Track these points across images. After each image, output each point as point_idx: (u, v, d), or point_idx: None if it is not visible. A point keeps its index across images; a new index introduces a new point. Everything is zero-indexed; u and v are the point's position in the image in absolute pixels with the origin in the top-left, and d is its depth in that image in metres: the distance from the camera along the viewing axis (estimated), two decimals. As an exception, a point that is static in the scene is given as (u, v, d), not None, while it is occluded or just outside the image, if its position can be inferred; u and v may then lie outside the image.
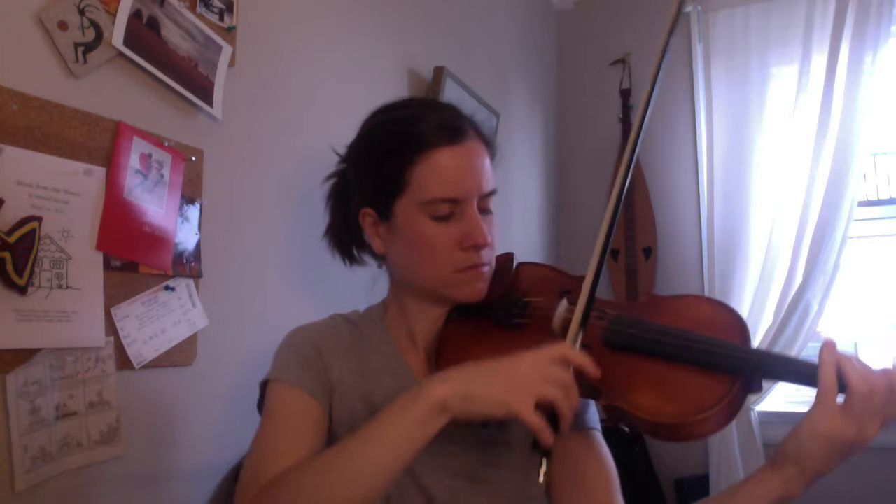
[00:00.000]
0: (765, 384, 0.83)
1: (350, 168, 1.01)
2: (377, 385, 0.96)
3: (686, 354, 0.81)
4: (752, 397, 2.55)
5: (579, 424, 0.98)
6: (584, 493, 0.92)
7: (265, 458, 0.88)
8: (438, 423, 0.76)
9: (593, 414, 1.01)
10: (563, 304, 0.92)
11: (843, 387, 0.75)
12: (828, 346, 0.77)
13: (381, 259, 1.03)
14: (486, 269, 0.93)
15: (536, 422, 0.73)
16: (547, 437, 0.74)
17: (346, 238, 1.05)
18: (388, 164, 0.91)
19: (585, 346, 0.85)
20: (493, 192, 0.94)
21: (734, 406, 0.79)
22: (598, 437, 0.99)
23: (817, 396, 0.76)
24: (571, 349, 0.77)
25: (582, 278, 0.92)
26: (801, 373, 0.78)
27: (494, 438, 0.95)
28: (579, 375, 0.80)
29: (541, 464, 0.77)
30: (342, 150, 1.04)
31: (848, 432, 0.74)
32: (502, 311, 0.94)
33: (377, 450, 0.76)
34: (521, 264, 1.03)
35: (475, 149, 0.93)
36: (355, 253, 1.05)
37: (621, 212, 0.87)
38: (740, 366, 0.79)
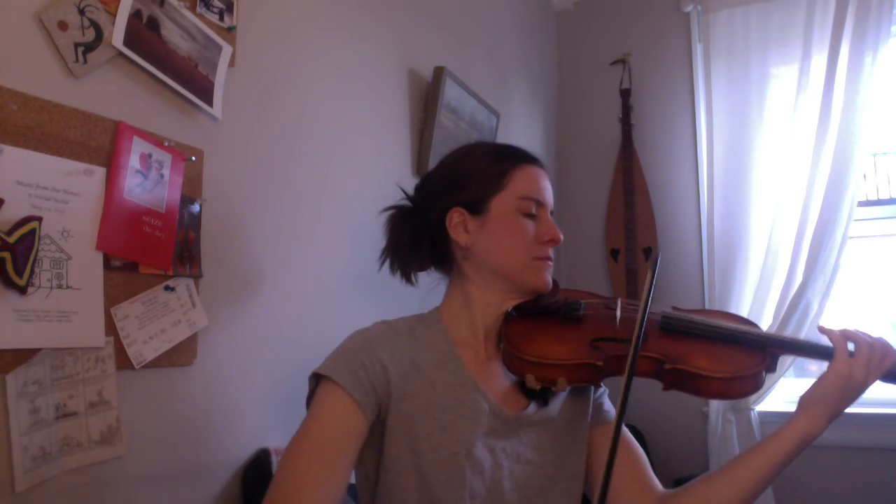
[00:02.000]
0: (778, 365, 1.09)
1: (436, 182, 1.17)
2: (437, 379, 1.04)
3: (726, 335, 1.05)
4: (751, 397, 2.56)
5: (604, 418, 1.15)
6: (619, 477, 1.07)
7: (296, 482, 0.92)
8: None
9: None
10: (620, 302, 1.11)
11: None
12: (821, 326, 1.06)
13: (445, 265, 1.16)
14: (552, 264, 1.12)
15: None
16: None
17: (407, 255, 1.15)
18: (490, 170, 1.12)
19: (645, 338, 1.03)
20: (553, 213, 1.16)
21: (762, 376, 1.01)
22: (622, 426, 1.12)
23: (835, 352, 1.00)
24: None
25: (614, 299, 1.14)
26: (812, 347, 1.04)
27: (537, 420, 1.07)
28: (645, 349, 1.01)
29: None
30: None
31: (859, 375, 0.98)
32: (563, 309, 1.11)
33: None
34: (562, 289, 1.18)
35: (546, 174, 1.16)
36: (412, 274, 1.17)
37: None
38: (768, 343, 1.03)
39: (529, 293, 1.11)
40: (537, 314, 1.10)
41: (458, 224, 1.11)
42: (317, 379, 1.02)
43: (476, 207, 1.11)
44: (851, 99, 2.52)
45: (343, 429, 0.96)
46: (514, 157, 1.13)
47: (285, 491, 0.91)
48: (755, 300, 2.60)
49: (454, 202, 1.11)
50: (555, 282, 1.14)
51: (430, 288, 1.21)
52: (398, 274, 1.16)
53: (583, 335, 1.07)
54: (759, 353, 1.02)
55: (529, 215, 1.10)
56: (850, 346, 1.00)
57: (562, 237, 1.11)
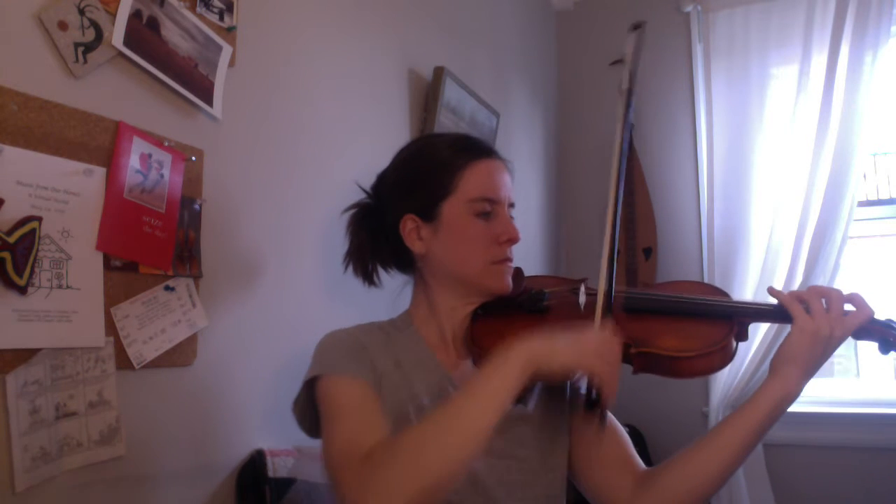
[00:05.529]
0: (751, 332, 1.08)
1: (388, 186, 1.14)
2: (416, 378, 1.05)
3: (690, 309, 1.04)
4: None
5: None
6: (603, 457, 1.08)
7: (361, 437, 0.90)
8: (526, 377, 0.87)
9: None
10: (583, 287, 1.09)
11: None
12: (771, 290, 1.03)
13: (408, 268, 1.14)
14: (512, 264, 1.10)
15: (609, 378, 0.89)
16: (613, 391, 0.89)
17: (369, 258, 1.14)
18: (439, 173, 1.07)
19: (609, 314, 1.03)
20: (513, 205, 1.12)
21: (732, 347, 1.01)
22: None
23: (792, 314, 0.97)
24: (614, 329, 0.94)
25: (582, 281, 1.12)
26: (775, 309, 1.01)
27: (516, 416, 1.05)
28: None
29: (601, 416, 0.95)
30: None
31: (823, 329, 0.96)
32: (528, 301, 1.09)
33: (481, 403, 0.86)
34: (527, 277, 1.15)
35: (502, 165, 1.13)
36: (374, 276, 1.15)
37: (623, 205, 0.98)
38: (732, 312, 1.03)
39: (490, 296, 1.09)
40: (503, 309, 1.09)
41: (411, 231, 1.09)
42: (310, 384, 1.01)
43: (427, 214, 1.08)
44: (851, 99, 2.52)
45: (368, 397, 0.97)
46: (465, 154, 1.09)
47: (353, 447, 0.89)
48: (755, 300, 2.60)
49: (407, 209, 1.09)
50: (519, 272, 1.11)
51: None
52: (360, 277, 1.15)
53: (548, 328, 1.04)
54: (727, 322, 1.01)
55: (484, 215, 1.07)
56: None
57: (520, 235, 1.08)
